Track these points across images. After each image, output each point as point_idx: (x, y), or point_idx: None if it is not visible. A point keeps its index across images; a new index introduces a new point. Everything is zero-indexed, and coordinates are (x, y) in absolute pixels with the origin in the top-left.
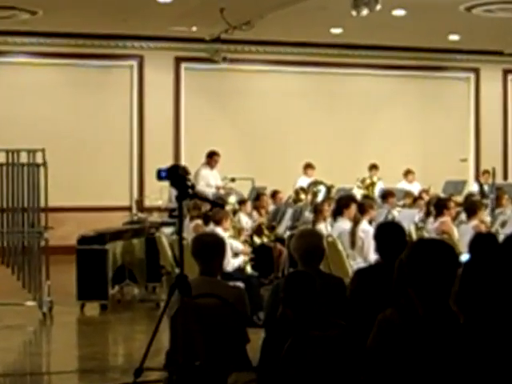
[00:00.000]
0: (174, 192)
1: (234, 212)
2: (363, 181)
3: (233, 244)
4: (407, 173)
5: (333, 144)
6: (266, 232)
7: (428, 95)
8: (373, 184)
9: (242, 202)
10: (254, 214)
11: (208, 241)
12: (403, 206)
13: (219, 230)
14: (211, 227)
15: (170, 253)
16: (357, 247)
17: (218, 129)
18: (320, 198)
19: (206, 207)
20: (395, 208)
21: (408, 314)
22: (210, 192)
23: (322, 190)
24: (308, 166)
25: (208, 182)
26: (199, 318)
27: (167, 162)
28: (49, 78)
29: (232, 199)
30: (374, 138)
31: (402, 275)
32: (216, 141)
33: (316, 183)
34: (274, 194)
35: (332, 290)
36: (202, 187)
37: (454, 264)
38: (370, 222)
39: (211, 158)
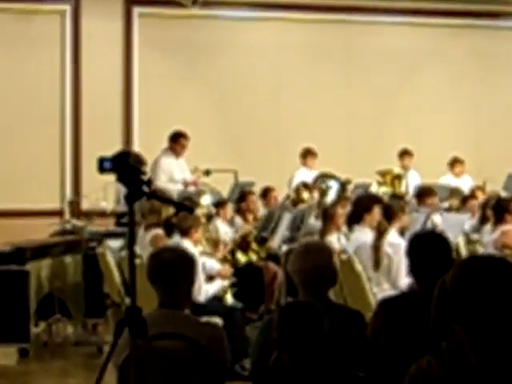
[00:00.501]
0: (123, 190)
1: (209, 218)
2: (384, 174)
3: (206, 263)
4: (454, 162)
5: (349, 121)
6: (253, 246)
7: (483, 52)
8: (398, 178)
9: (219, 204)
10: (238, 220)
11: (171, 259)
12: (448, 210)
13: (187, 244)
14: (176, 239)
15: (117, 276)
16: (382, 268)
17: (186, 99)
18: (330, 197)
19: (168, 211)
20: (437, 212)
21: (453, 364)
22: (174, 190)
23: (334, 186)
24: (307, 154)
25: (171, 175)
26: (159, 368)
27: (113, 148)
28: None
29: (206, 200)
30: (407, 112)
31: (446, 307)
32: (183, 117)
33: (325, 177)
34: (266, 193)
35: (346, 328)
36: (162, 183)
37: None
38: (402, 233)
39: (176, 141)
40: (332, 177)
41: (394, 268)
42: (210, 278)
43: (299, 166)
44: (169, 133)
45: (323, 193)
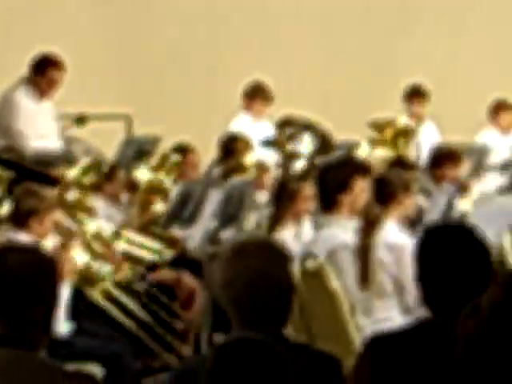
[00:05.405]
0: None
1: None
2: (381, 127)
3: None
4: (498, 108)
5: (325, 40)
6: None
7: None
8: (405, 134)
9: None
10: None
11: (18, 264)
12: (488, 188)
13: (25, 238)
14: (10, 234)
15: None
16: (373, 284)
17: None
18: (298, 166)
19: None
20: (467, 191)
21: None
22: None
23: (305, 142)
24: (256, 92)
25: (21, 128)
26: None
27: None
28: None
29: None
30: (425, 28)
31: (481, 349)
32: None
33: (288, 124)
34: (183, 154)
35: (315, 381)
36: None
37: None
38: (410, 224)
39: (42, 72)
40: (306, 126)
41: (390, 284)
42: None
43: (236, 111)
44: (33, 57)
45: (288, 158)
